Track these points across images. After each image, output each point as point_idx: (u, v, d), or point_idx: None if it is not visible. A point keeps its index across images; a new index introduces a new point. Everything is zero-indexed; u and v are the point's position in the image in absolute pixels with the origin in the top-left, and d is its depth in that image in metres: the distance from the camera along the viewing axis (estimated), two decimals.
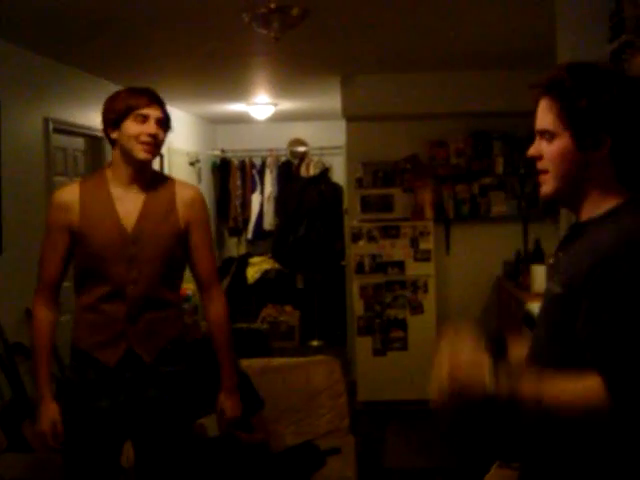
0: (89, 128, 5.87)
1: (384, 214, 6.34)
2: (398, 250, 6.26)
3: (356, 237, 6.34)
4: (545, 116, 1.71)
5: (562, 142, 1.69)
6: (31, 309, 2.96)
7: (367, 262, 6.30)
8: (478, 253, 6.69)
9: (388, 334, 6.29)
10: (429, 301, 6.25)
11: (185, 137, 8.72)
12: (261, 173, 9.51)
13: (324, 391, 4.01)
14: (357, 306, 6.33)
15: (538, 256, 5.90)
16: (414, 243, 6.27)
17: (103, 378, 2.72)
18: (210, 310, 2.87)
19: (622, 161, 1.69)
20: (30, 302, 4.78)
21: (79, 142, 5.86)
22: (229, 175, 9.53)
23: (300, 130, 9.49)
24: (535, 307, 4.81)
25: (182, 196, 2.78)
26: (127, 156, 2.69)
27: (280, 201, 9.12)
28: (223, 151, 9.66)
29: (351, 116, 6.68)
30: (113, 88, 6.40)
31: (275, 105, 7.81)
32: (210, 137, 9.69)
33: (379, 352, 6.30)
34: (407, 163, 6.52)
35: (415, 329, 6.23)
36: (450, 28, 4.87)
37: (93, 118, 5.92)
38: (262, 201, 9.42)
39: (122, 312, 2.71)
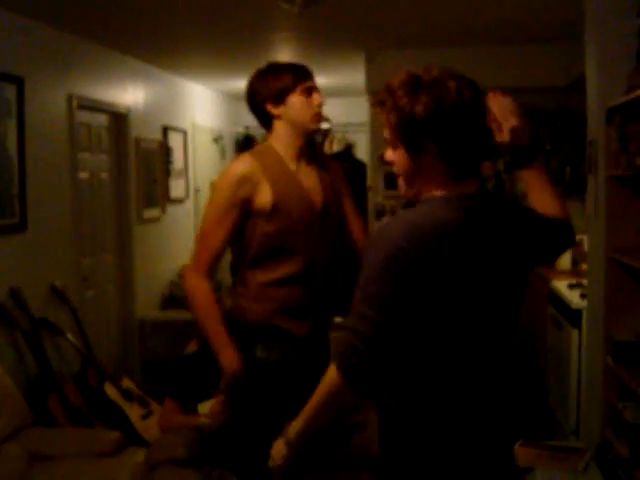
0: (113, 104, 5.88)
1: None
2: None
3: (380, 214, 6.32)
4: (385, 129, 1.84)
5: (400, 151, 1.81)
6: (186, 283, 2.85)
7: None
8: None
9: None
10: None
11: (209, 114, 8.72)
12: None
13: None
14: None
15: None
16: None
17: (297, 351, 2.81)
18: None
19: (451, 160, 1.77)
20: (54, 278, 4.86)
21: (103, 119, 5.87)
22: None
23: (324, 106, 9.44)
24: (560, 285, 4.78)
25: (331, 167, 2.95)
26: (297, 128, 2.77)
27: None
28: (247, 128, 9.64)
29: (375, 92, 6.61)
30: (136, 65, 6.47)
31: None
32: (234, 114, 9.67)
33: None
34: None
35: None
36: (476, 1, 4.80)
37: (117, 94, 5.94)
38: None
39: (311, 285, 2.81)
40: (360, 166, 8.50)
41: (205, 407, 3.97)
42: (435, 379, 1.79)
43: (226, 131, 9.37)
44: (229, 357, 2.73)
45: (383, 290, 1.71)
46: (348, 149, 8.81)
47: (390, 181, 6.36)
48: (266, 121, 2.81)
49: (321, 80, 7.82)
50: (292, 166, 2.79)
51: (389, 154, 1.86)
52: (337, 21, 5.26)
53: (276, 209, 2.68)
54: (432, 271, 1.70)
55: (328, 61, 6.87)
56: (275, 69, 2.79)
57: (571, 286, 4.69)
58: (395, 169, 1.86)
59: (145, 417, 4.77)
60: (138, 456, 3.71)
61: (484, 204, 1.84)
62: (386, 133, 1.85)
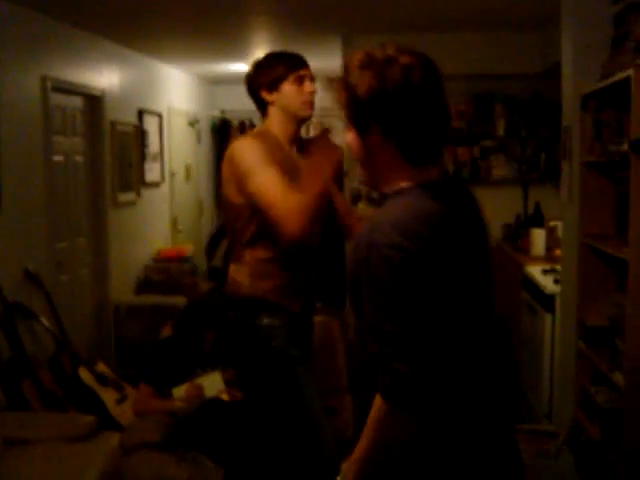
0: (88, 87, 5.83)
1: None
2: None
3: (356, 199, 6.32)
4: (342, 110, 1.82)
5: (351, 133, 1.81)
6: (283, 215, 2.65)
7: None
8: None
9: None
10: None
11: (184, 97, 8.66)
12: None
13: (323, 351, 4.02)
14: None
15: (538, 220, 5.90)
16: None
17: (290, 326, 2.93)
18: None
19: (400, 143, 1.74)
20: (27, 262, 4.82)
21: (77, 101, 5.82)
22: (229, 136, 9.46)
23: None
24: (534, 270, 4.82)
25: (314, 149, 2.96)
26: (288, 115, 2.90)
27: None
28: (223, 112, 9.60)
29: None
30: (112, 47, 6.41)
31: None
32: (210, 97, 9.62)
33: None
34: None
35: None
36: None
37: (92, 77, 5.89)
38: None
39: (306, 265, 3.00)
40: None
41: (180, 391, 3.97)
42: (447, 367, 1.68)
43: (202, 115, 9.32)
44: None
45: (401, 301, 1.61)
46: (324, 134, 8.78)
47: None
48: (262, 107, 2.96)
49: None
50: (288, 150, 2.93)
51: (347, 136, 1.83)
52: (313, 5, 5.24)
53: None
54: (433, 263, 1.63)
55: (304, 45, 6.82)
56: (270, 58, 2.93)
57: (545, 271, 4.73)
58: (353, 153, 1.85)
59: (120, 401, 4.75)
60: (113, 440, 3.70)
61: (452, 190, 1.82)
62: (343, 114, 1.82)
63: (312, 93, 2.91)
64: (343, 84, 1.77)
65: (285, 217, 2.59)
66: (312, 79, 2.92)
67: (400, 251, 1.61)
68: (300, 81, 2.88)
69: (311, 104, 2.92)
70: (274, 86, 2.88)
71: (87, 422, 3.86)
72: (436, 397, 1.63)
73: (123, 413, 4.62)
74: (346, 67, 1.78)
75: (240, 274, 2.92)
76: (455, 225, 1.73)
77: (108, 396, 4.75)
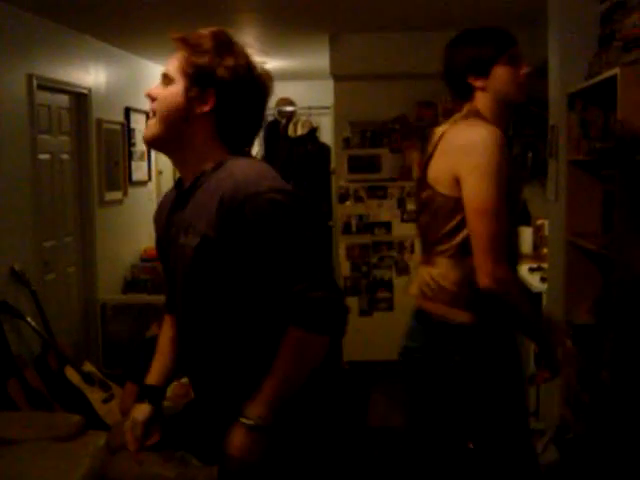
0: (74, 85, 5.80)
1: (371, 174, 6.33)
2: (385, 211, 6.26)
3: (343, 197, 6.33)
4: (171, 62, 1.89)
5: (176, 88, 1.86)
6: (493, 283, 2.29)
7: (354, 222, 6.30)
8: None
9: (374, 294, 6.30)
10: (415, 262, 6.26)
11: None
12: None
13: None
14: (344, 266, 6.34)
15: (525, 218, 5.90)
16: (401, 204, 6.26)
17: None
18: None
19: (223, 121, 1.87)
20: (13, 261, 4.80)
21: (64, 99, 5.79)
22: None
23: (288, 89, 9.40)
24: (521, 268, 4.82)
25: None
26: (503, 102, 2.50)
27: (267, 161, 9.04)
28: None
29: (339, 75, 6.61)
30: (98, 45, 6.38)
31: (263, 63, 7.70)
32: None
33: (365, 312, 6.33)
34: (395, 123, 6.49)
35: (401, 290, 6.24)
36: None
37: (78, 75, 5.86)
38: None
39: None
40: (324, 149, 8.49)
41: (167, 390, 3.96)
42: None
43: None
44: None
45: (302, 237, 1.80)
46: (312, 132, 8.79)
47: (354, 165, 6.37)
48: (465, 92, 2.53)
49: (284, 62, 7.84)
50: None
51: (155, 89, 1.90)
52: (301, 3, 5.23)
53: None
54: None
55: (292, 43, 6.84)
56: (474, 37, 2.52)
57: (531, 269, 4.75)
58: (157, 106, 1.88)
59: (106, 401, 4.74)
60: (99, 440, 3.69)
61: None
62: (170, 68, 1.88)
63: (527, 75, 2.50)
64: (198, 49, 1.86)
65: (488, 272, 2.27)
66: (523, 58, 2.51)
67: (284, 194, 1.79)
68: (514, 61, 2.47)
69: (526, 87, 2.52)
70: (484, 70, 2.46)
71: (73, 422, 3.84)
72: (346, 314, 1.83)
73: (109, 412, 4.60)
74: (200, 35, 1.89)
75: (453, 294, 2.43)
76: None
77: (94, 395, 4.74)
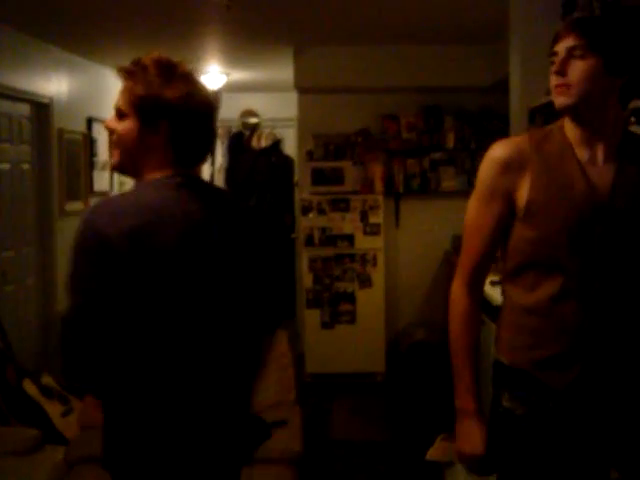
0: (35, 94, 5.74)
1: (334, 187, 6.34)
2: (348, 223, 6.27)
3: (306, 210, 6.32)
4: (121, 95, 1.90)
5: (128, 123, 1.89)
6: (450, 295, 2.26)
7: (317, 235, 6.29)
8: (427, 227, 6.72)
9: (337, 307, 6.30)
10: (378, 275, 6.28)
11: None
12: None
13: (271, 363, 4.01)
14: (306, 279, 6.33)
15: None
16: (364, 217, 6.27)
17: (554, 406, 2.02)
18: None
19: (177, 145, 1.90)
20: None
21: (25, 108, 5.73)
22: None
23: (252, 101, 9.40)
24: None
25: None
26: None
27: (231, 172, 9.03)
28: None
29: (303, 88, 6.63)
30: (60, 54, 6.32)
31: (227, 75, 7.71)
32: None
33: (327, 325, 6.32)
34: (358, 136, 6.53)
35: (364, 302, 6.26)
36: (404, 0, 4.84)
37: (39, 84, 5.80)
38: (213, 172, 9.33)
39: (578, 317, 1.99)
40: (288, 161, 8.50)
41: None
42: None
43: None
44: (467, 431, 2.12)
45: (82, 272, 1.74)
46: (276, 144, 8.79)
47: (318, 177, 6.38)
48: None
49: (250, 74, 7.83)
50: (582, 154, 2.01)
51: (112, 122, 1.92)
52: (266, 15, 5.24)
53: (530, 209, 2.01)
54: (130, 252, 1.73)
55: (256, 55, 6.84)
56: None
57: (493, 283, 4.77)
58: (115, 138, 1.92)
59: (65, 414, 4.67)
60: (57, 454, 3.64)
61: (198, 187, 1.96)
62: (121, 102, 1.90)
63: (560, 72, 2.08)
64: (142, 79, 1.87)
65: (453, 283, 2.27)
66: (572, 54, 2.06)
67: (95, 230, 1.73)
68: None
69: (562, 88, 2.05)
70: None
71: (31, 436, 3.79)
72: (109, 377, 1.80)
73: (68, 426, 4.54)
74: (143, 64, 1.89)
75: (502, 323, 2.26)
76: (178, 217, 1.84)
77: (53, 409, 4.66)
